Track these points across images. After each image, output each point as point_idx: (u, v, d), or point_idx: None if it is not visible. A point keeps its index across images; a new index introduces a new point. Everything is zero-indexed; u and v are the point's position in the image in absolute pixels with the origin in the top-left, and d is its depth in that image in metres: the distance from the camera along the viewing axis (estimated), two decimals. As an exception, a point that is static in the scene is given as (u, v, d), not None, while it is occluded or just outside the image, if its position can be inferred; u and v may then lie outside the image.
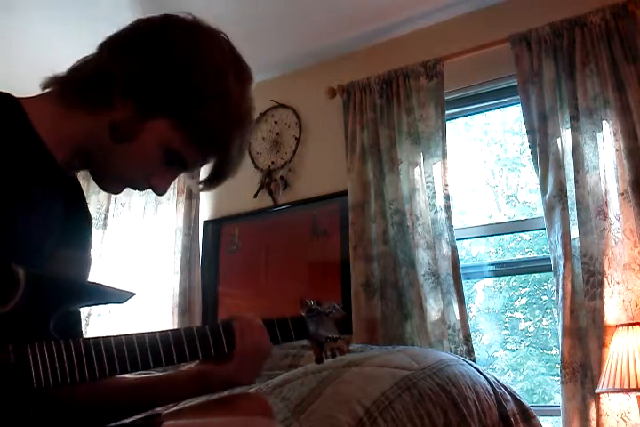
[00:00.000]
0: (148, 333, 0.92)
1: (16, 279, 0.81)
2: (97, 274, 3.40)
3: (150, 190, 1.02)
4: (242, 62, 1.02)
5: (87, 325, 3.36)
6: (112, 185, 1.02)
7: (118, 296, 0.93)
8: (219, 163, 1.01)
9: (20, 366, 0.80)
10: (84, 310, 3.37)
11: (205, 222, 3.46)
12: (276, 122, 3.40)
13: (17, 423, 0.79)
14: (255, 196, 3.33)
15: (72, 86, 0.96)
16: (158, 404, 1.07)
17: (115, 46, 0.97)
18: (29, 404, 0.81)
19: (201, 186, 1.05)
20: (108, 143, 0.95)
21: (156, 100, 0.94)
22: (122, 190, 1.03)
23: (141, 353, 0.89)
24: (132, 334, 0.90)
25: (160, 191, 1.02)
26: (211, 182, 1.04)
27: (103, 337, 0.88)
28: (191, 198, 3.37)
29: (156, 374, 1.08)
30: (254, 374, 1.02)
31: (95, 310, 3.39)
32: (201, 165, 1.02)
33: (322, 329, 1.13)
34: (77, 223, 1.04)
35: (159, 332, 0.93)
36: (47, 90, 0.98)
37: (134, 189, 1.03)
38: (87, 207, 1.09)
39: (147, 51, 0.95)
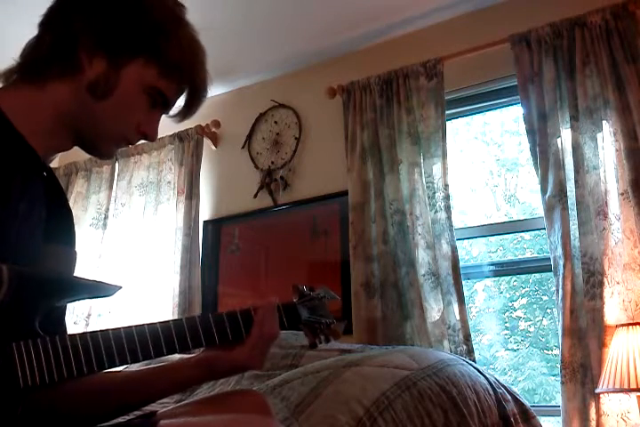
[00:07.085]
0: (137, 325, 0.91)
1: None
2: (97, 274, 3.40)
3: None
4: None
5: (87, 325, 3.35)
6: (106, 147, 1.04)
7: (105, 290, 0.92)
8: (192, 88, 1.05)
9: (5, 366, 0.79)
10: (83, 310, 3.37)
11: (205, 222, 3.45)
12: (275, 122, 3.40)
13: (5, 425, 0.78)
14: (255, 196, 3.33)
15: (36, 65, 0.97)
16: (159, 395, 1.05)
17: (63, 13, 0.99)
18: (18, 404, 0.80)
19: (179, 117, 1.09)
20: (93, 104, 0.97)
21: (125, 45, 0.97)
22: (116, 151, 1.08)
23: (129, 346, 0.88)
24: (120, 328, 0.89)
25: (152, 137, 1.06)
26: (188, 110, 1.08)
27: (90, 332, 0.87)
28: (191, 198, 3.36)
29: (156, 364, 1.07)
30: (264, 360, 1.03)
31: (95, 309, 3.39)
32: (178, 96, 1.06)
33: (315, 314, 1.12)
34: (60, 218, 1.03)
35: (147, 324, 0.92)
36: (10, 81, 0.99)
37: (126, 145, 1.06)
38: (68, 202, 1.09)
39: (99, 4, 0.98)
